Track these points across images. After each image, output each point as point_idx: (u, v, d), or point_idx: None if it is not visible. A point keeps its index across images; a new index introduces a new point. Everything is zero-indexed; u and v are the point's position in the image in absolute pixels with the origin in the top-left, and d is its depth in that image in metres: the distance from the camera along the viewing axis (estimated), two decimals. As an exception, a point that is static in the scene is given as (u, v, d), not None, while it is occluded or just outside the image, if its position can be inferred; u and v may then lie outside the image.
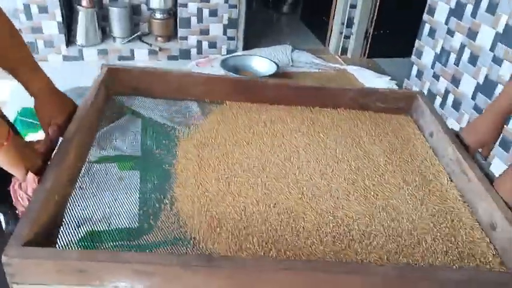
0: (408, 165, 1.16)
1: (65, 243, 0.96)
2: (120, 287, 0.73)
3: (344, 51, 4.25)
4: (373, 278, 0.74)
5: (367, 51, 4.21)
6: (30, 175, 0.81)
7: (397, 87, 3.32)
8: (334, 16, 4.22)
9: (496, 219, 0.89)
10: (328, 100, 1.36)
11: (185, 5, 3.66)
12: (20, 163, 0.81)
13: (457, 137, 1.12)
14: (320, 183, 1.07)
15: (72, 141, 0.96)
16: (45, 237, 0.79)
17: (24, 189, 0.79)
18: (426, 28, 2.82)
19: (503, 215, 0.87)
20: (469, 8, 2.42)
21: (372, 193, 1.05)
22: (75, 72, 3.16)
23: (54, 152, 0.90)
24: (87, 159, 1.21)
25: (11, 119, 2.56)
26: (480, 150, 1.10)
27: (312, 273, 0.74)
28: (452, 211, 1.01)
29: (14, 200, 0.80)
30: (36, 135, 2.44)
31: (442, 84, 2.68)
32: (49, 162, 0.86)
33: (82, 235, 1.83)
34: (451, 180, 1.10)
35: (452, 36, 2.57)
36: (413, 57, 2.99)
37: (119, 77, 1.31)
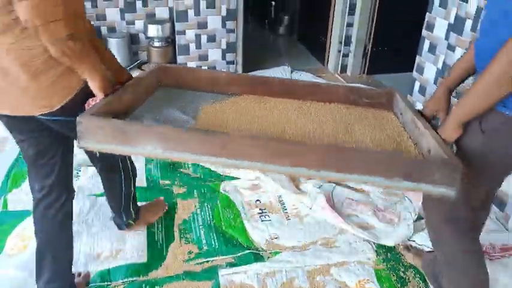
0: (377, 130, 1.45)
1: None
2: (147, 149, 1.12)
3: (343, 69, 4.25)
4: (318, 149, 1.14)
5: (366, 68, 4.21)
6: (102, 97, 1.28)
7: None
8: (331, 35, 4.23)
9: (431, 146, 1.19)
10: (324, 95, 1.64)
11: (183, 32, 3.67)
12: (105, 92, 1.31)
13: (419, 112, 1.42)
14: (302, 128, 1.41)
15: (126, 90, 1.39)
16: (104, 115, 1.19)
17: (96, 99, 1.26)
18: (426, 44, 2.82)
19: (437, 144, 1.15)
20: (469, 23, 2.41)
21: (340, 135, 1.38)
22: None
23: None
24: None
25: (14, 154, 2.53)
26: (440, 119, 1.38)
27: (268, 142, 1.16)
28: (400, 141, 1.35)
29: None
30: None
31: (446, 99, 2.66)
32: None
33: (91, 276, 1.77)
34: (409, 136, 1.39)
35: (453, 52, 2.56)
36: (414, 73, 2.98)
37: (165, 73, 1.68)
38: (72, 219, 1.61)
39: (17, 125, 1.38)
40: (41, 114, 1.28)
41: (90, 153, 1.60)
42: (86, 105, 1.27)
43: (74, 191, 1.60)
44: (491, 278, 1.51)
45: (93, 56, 1.27)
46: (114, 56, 1.55)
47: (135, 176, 1.82)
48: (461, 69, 1.35)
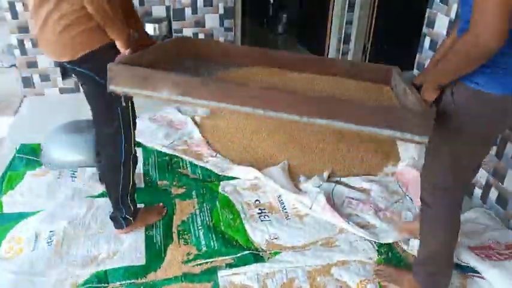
0: (371, 94, 1.60)
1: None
2: (164, 93, 1.32)
3: (342, 67, 4.21)
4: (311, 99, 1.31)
5: (365, 66, 4.18)
6: (129, 51, 1.53)
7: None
8: (330, 33, 4.19)
9: (412, 103, 1.30)
10: (327, 69, 1.77)
11: (180, 31, 3.63)
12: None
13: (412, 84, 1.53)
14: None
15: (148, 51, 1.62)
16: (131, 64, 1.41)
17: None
18: (427, 41, 2.79)
19: (417, 100, 1.30)
20: (470, 18, 2.38)
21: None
22: (72, 105, 3.10)
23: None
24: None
25: (9, 156, 2.50)
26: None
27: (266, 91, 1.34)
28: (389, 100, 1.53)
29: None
30: (34, 172, 2.37)
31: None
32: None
33: (88, 277, 1.75)
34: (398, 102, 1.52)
35: (454, 48, 2.53)
36: (415, 71, 2.95)
37: (184, 44, 1.87)
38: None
39: (68, 71, 1.78)
40: (66, 62, 1.60)
41: (98, 148, 1.92)
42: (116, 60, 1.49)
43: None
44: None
45: (122, 19, 1.55)
46: (141, 22, 1.87)
47: (135, 163, 1.88)
48: (447, 48, 1.48)
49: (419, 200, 1.61)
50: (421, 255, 1.64)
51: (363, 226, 2.07)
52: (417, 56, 2.92)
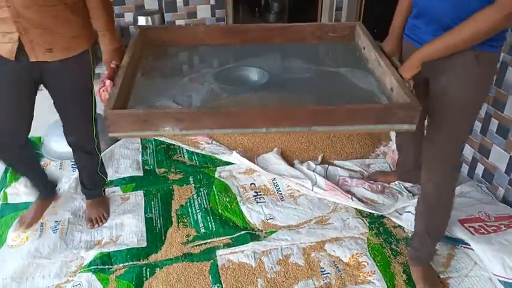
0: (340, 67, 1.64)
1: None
2: (166, 130, 1.25)
3: (334, 53, 4.27)
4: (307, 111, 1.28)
5: (357, 52, 4.22)
6: (108, 81, 1.34)
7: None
8: (321, 20, 4.25)
9: (393, 85, 1.35)
10: (294, 35, 1.80)
11: (173, 23, 3.69)
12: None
13: (380, 49, 1.58)
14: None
15: (127, 68, 1.44)
16: (121, 107, 1.30)
17: (107, 88, 1.33)
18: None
19: (398, 84, 1.32)
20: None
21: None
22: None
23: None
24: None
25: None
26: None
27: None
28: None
29: (100, 97, 1.34)
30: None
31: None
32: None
33: (92, 258, 1.84)
34: (374, 73, 1.54)
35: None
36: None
37: (149, 34, 1.76)
38: None
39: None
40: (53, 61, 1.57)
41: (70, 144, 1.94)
42: (97, 93, 1.37)
43: None
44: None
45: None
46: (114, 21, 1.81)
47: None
48: (402, 15, 1.62)
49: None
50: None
51: (364, 202, 2.16)
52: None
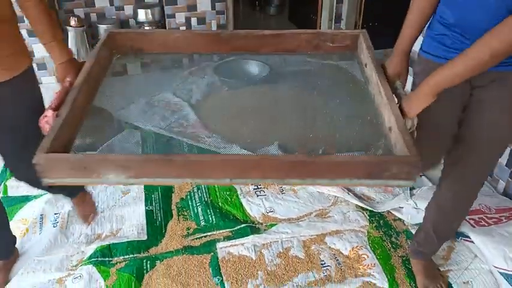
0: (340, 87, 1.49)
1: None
2: (110, 178, 1.04)
3: (335, 46, 4.25)
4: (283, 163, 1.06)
5: (357, 45, 4.21)
6: (50, 112, 1.11)
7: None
8: (321, 13, 4.23)
9: (392, 125, 1.13)
10: (287, 44, 1.56)
11: (173, 16, 3.67)
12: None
13: (382, 67, 1.36)
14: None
15: (80, 89, 1.23)
16: (61, 149, 1.08)
17: (48, 120, 1.11)
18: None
19: (397, 124, 1.09)
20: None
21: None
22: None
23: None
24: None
25: None
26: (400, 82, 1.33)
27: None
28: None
29: (43, 129, 1.11)
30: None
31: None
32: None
33: (92, 252, 1.85)
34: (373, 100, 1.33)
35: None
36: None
37: (118, 39, 1.55)
38: None
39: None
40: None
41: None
42: (40, 122, 1.13)
43: None
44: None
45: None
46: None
47: None
48: (414, 28, 1.33)
49: None
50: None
51: (360, 197, 2.16)
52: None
